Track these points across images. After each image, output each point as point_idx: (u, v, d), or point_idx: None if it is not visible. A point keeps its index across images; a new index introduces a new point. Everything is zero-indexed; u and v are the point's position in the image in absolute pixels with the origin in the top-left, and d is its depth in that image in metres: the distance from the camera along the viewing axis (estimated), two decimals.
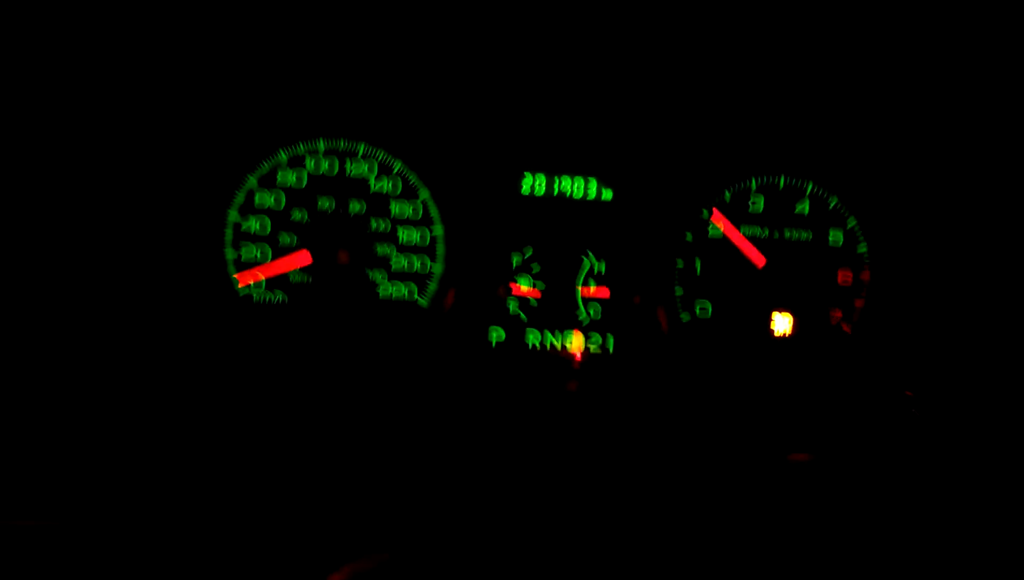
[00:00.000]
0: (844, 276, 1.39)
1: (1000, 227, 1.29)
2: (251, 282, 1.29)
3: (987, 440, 1.18)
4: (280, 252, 1.29)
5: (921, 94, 1.27)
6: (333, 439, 1.17)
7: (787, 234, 1.38)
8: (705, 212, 1.37)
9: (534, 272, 1.35)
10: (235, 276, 1.29)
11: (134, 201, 1.22)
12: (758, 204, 1.38)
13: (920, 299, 1.36)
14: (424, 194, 1.32)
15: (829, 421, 1.29)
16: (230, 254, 1.29)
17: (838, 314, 1.39)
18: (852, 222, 1.39)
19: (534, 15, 1.18)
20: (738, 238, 1.36)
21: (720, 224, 1.36)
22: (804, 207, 1.38)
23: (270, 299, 1.30)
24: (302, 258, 1.29)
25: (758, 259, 1.36)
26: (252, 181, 1.28)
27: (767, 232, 1.37)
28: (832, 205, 1.38)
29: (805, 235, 1.38)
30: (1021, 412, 1.20)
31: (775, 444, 1.21)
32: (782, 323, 1.38)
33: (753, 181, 1.38)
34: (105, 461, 1.08)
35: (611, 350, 1.37)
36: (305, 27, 1.19)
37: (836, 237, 1.38)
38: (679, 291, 1.37)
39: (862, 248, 1.39)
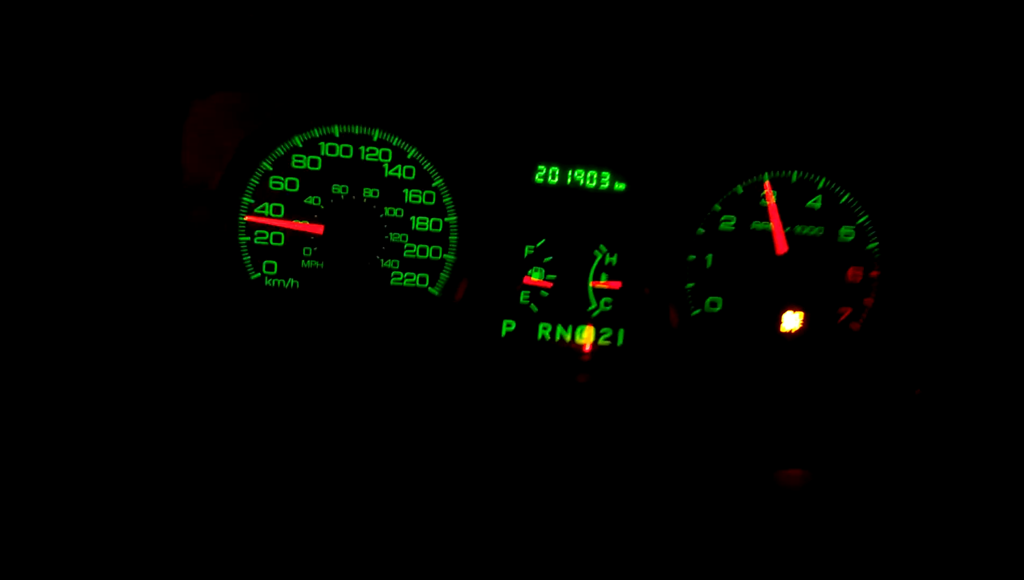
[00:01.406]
0: (854, 273, 1.39)
1: (1011, 226, 1.29)
2: (260, 224, 1.29)
3: (995, 439, 1.19)
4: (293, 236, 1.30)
5: (935, 91, 1.26)
6: (342, 426, 1.18)
7: (798, 229, 1.38)
8: (766, 175, 1.36)
9: (546, 263, 1.35)
10: (245, 218, 1.28)
11: (147, 186, 1.22)
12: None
13: (930, 297, 1.37)
14: (438, 182, 1.32)
15: (836, 418, 1.30)
16: (243, 239, 1.29)
17: (847, 311, 1.40)
18: (863, 218, 1.39)
19: (550, 7, 1.17)
20: (775, 217, 1.36)
21: (769, 198, 1.36)
22: (816, 202, 1.38)
23: (282, 285, 1.30)
24: (315, 227, 1.29)
25: (781, 245, 1.36)
26: (266, 165, 1.28)
27: None
28: (844, 201, 1.38)
29: (816, 231, 1.38)
30: None
31: (780, 443, 1.22)
32: (791, 320, 1.38)
33: (766, 175, 1.37)
34: (116, 445, 1.08)
35: (620, 343, 1.37)
36: (321, 13, 1.18)
37: (847, 233, 1.39)
38: (690, 285, 1.37)
39: (872, 245, 1.39)
